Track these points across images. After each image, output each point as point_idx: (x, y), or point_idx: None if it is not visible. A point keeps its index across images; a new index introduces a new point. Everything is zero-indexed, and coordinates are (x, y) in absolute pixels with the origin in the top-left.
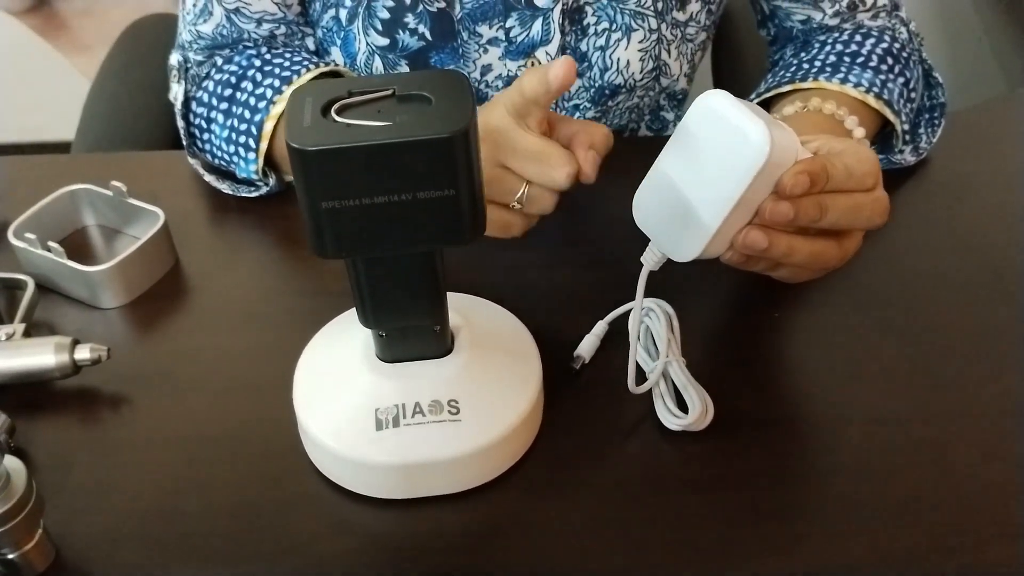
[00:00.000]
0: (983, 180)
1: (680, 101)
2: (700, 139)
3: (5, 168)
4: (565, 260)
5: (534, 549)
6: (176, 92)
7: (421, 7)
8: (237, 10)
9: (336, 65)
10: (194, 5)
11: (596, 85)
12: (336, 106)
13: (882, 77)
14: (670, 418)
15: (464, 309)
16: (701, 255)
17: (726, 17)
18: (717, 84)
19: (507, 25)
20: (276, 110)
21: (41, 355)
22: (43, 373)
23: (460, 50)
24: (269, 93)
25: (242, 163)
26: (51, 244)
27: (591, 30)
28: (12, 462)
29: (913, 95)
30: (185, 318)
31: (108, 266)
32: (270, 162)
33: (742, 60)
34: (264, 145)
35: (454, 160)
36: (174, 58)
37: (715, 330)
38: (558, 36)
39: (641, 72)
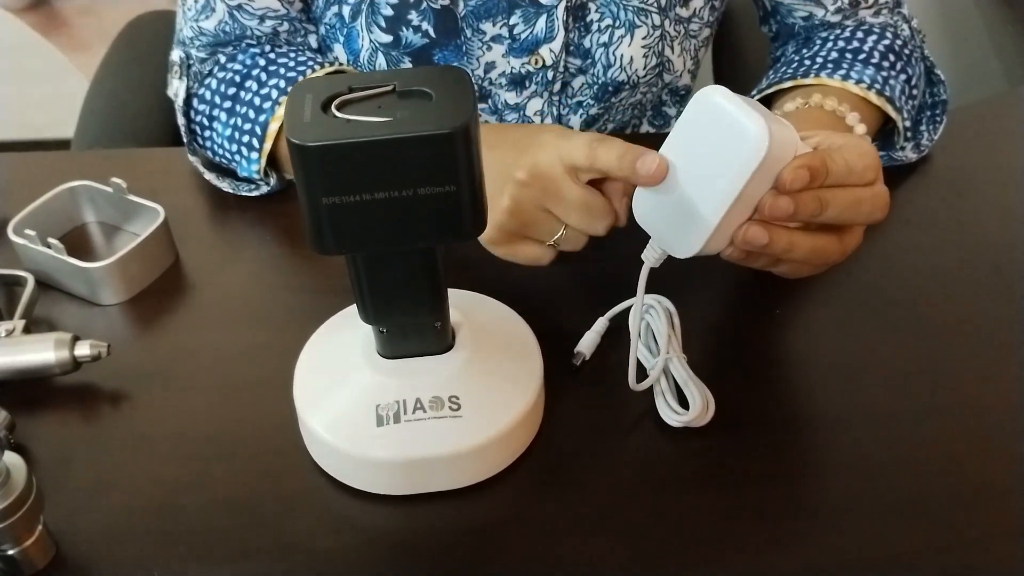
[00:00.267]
0: (984, 177)
1: (683, 97)
2: (699, 135)
3: (5, 164)
4: (566, 257)
5: (534, 545)
6: (177, 89)
7: (425, 4)
8: (240, 6)
9: (340, 64)
10: (195, 1)
11: (599, 82)
12: (336, 102)
13: (884, 74)
14: (671, 414)
15: (465, 305)
16: (701, 251)
17: (727, 14)
18: (718, 81)
19: (511, 22)
20: (281, 111)
21: (41, 351)
22: (43, 369)
23: (464, 47)
24: (274, 94)
25: (244, 162)
26: (51, 240)
27: (594, 26)
28: (12, 458)
29: (915, 92)
30: (185, 315)
31: (108, 263)
32: (273, 162)
33: (743, 57)
34: (268, 145)
35: (454, 156)
36: (175, 54)
37: (716, 327)
38: (562, 33)
39: (644, 68)
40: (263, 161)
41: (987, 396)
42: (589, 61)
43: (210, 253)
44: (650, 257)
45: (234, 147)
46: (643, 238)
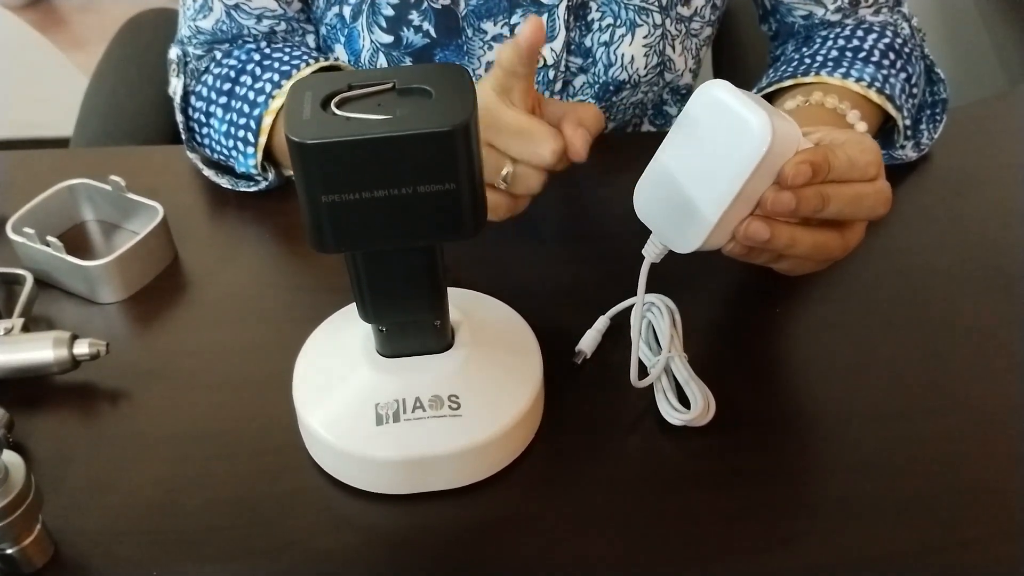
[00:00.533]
0: (984, 176)
1: (684, 96)
2: (701, 129)
3: (4, 162)
4: (567, 255)
5: (534, 544)
6: (175, 86)
7: (426, 4)
8: (237, 6)
9: (337, 60)
10: (194, 0)
11: (600, 81)
12: (336, 99)
13: (884, 72)
14: (672, 413)
15: (465, 304)
16: (703, 246)
17: (728, 13)
18: None
19: (512, 21)
20: (275, 104)
21: (40, 350)
22: (42, 368)
23: (465, 47)
24: (268, 87)
25: (241, 157)
26: (50, 239)
27: (595, 26)
28: (11, 457)
29: (915, 90)
30: (184, 313)
31: (107, 261)
32: (269, 157)
33: (743, 56)
34: (263, 139)
35: (454, 153)
36: (173, 52)
37: (717, 326)
38: (563, 32)
39: (645, 67)
40: (259, 155)
41: (988, 395)
42: (590, 60)
43: (209, 251)
44: (651, 252)
45: (230, 143)
46: (645, 236)
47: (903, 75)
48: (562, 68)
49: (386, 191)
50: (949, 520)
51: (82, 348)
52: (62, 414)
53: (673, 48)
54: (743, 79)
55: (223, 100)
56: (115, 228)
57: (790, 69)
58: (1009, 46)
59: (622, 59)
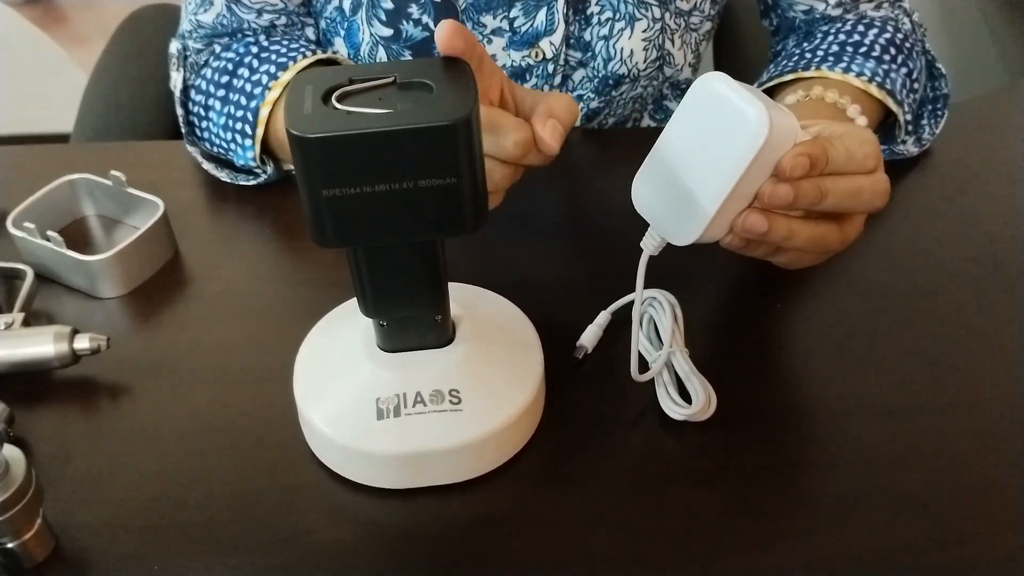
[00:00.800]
0: (986, 171)
1: (684, 90)
2: (699, 121)
3: (4, 157)
4: (568, 250)
5: (535, 539)
6: (175, 80)
7: None
8: (238, 0)
9: (335, 53)
10: None
11: (600, 75)
12: (337, 94)
13: (885, 67)
14: (673, 408)
15: (466, 299)
16: (700, 239)
17: (728, 8)
18: None
19: (511, 15)
20: (271, 96)
21: (40, 345)
22: (42, 363)
23: None
24: (265, 79)
25: (239, 150)
26: (50, 234)
27: (595, 19)
28: (11, 451)
29: (916, 86)
30: (185, 308)
31: (107, 256)
32: (267, 149)
33: (744, 51)
34: (260, 131)
35: (456, 148)
36: (174, 46)
37: (718, 321)
38: (562, 26)
39: (645, 61)
40: (257, 148)
41: (989, 391)
42: (589, 54)
43: (210, 246)
44: (649, 245)
45: (229, 136)
46: (646, 231)
47: (904, 70)
48: (561, 62)
49: (387, 185)
50: (950, 516)
51: (83, 343)
52: (63, 409)
53: (672, 42)
54: (744, 74)
55: (221, 93)
56: (115, 223)
57: (791, 64)
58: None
59: (621, 53)
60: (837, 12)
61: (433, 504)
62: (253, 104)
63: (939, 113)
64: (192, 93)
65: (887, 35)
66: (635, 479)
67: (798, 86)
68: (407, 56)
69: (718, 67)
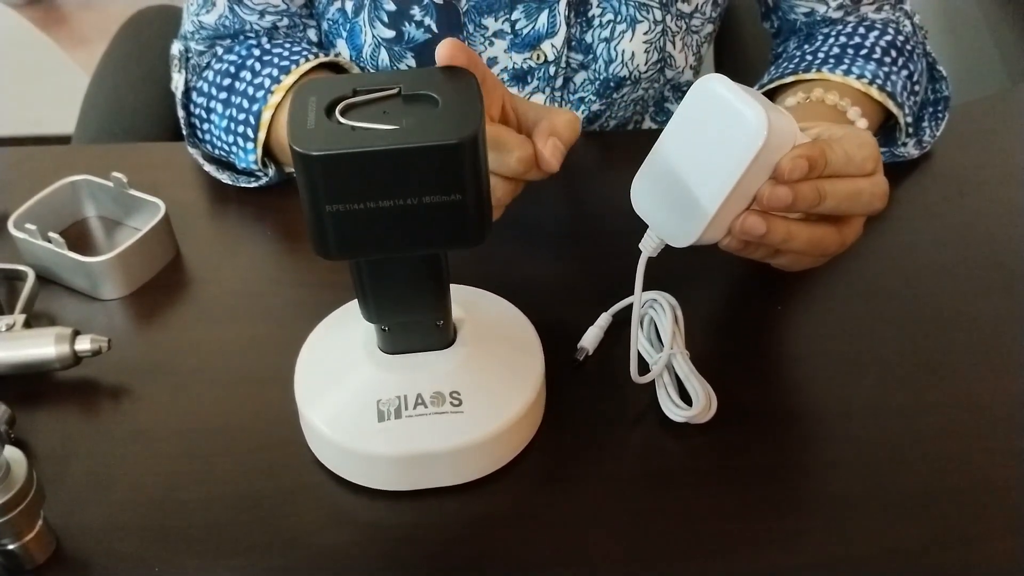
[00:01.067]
0: (986, 174)
1: (685, 93)
2: (698, 123)
3: (6, 159)
4: (568, 252)
5: (536, 541)
6: (177, 82)
7: (427, 0)
8: (240, 1)
9: (337, 56)
10: None
11: (601, 77)
12: (341, 106)
13: (885, 69)
14: (674, 409)
15: (467, 301)
16: (699, 240)
17: (729, 10)
18: None
19: (513, 17)
20: (274, 99)
21: (41, 346)
22: (43, 364)
23: (466, 43)
24: (267, 83)
25: (241, 153)
26: (51, 235)
27: (596, 22)
28: (12, 452)
29: (917, 88)
30: (186, 309)
31: (108, 257)
32: (269, 152)
33: (745, 53)
34: (262, 135)
35: (461, 166)
36: (175, 48)
37: (718, 323)
38: (564, 28)
39: (646, 64)
40: (259, 151)
41: (989, 392)
42: (591, 56)
43: (211, 248)
44: (648, 246)
45: (231, 138)
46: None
47: (905, 72)
48: (563, 64)
49: (391, 202)
50: (951, 517)
51: (84, 344)
52: (64, 410)
53: (674, 45)
54: (745, 76)
55: (223, 96)
56: (117, 224)
57: (791, 66)
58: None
59: (622, 55)
60: (838, 14)
61: (434, 506)
62: (255, 108)
63: (940, 115)
64: (194, 95)
65: (888, 37)
66: (635, 480)
67: (798, 88)
68: (410, 57)
69: (719, 69)
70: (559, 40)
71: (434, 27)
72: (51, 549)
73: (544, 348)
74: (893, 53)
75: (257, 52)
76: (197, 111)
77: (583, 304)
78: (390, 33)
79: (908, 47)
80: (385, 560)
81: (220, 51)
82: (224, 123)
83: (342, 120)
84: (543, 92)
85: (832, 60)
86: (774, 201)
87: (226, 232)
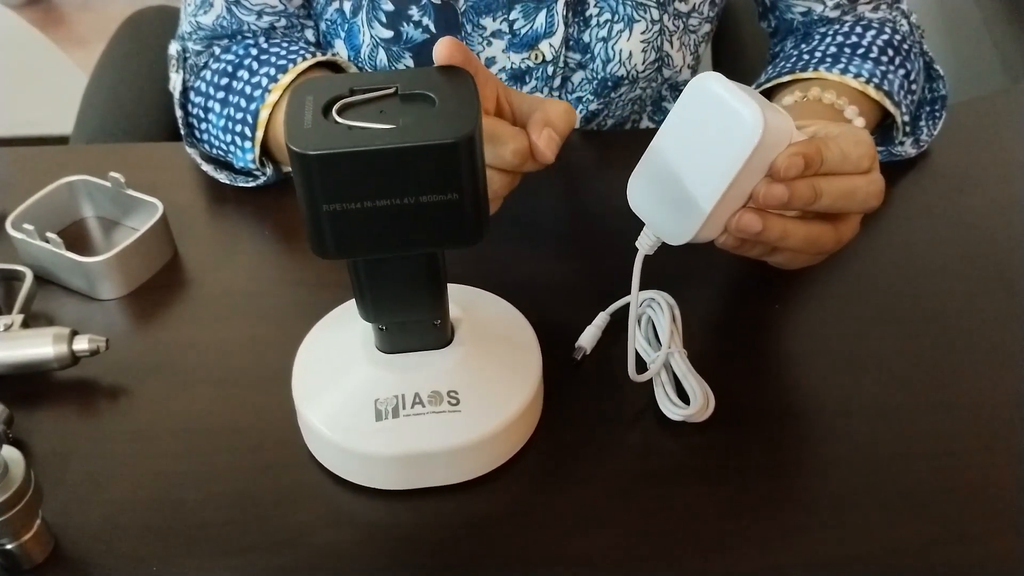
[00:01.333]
0: (984, 172)
1: None
2: (694, 121)
3: (3, 159)
4: (567, 251)
5: (534, 540)
6: (175, 82)
7: (425, 0)
8: (238, 2)
9: (335, 55)
10: None
11: (599, 77)
12: (337, 106)
13: (882, 68)
14: (672, 408)
15: (464, 301)
16: (695, 238)
17: (727, 10)
18: None
19: (511, 17)
20: (271, 98)
21: (39, 346)
22: (41, 364)
23: (464, 43)
24: (264, 82)
25: (239, 152)
26: (49, 235)
27: (593, 21)
28: (10, 452)
29: (914, 87)
30: (184, 309)
31: (106, 257)
32: (266, 152)
33: (743, 53)
34: (260, 134)
35: (458, 165)
36: (173, 48)
37: (716, 322)
38: (562, 28)
39: (643, 63)
40: (257, 151)
41: (988, 391)
42: (588, 56)
43: (209, 248)
44: (644, 244)
45: (228, 138)
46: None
47: (902, 71)
48: (560, 64)
49: (388, 201)
50: (949, 516)
51: (82, 344)
52: (62, 410)
53: (671, 44)
54: (742, 75)
55: (220, 95)
56: (115, 224)
57: (788, 65)
58: (1009, 43)
59: (620, 55)
60: (835, 14)
61: (432, 505)
62: (253, 107)
63: (937, 114)
64: (191, 95)
65: (885, 36)
66: (633, 479)
67: (796, 87)
68: (408, 57)
69: (716, 69)
70: (557, 40)
71: (432, 27)
72: (49, 549)
73: (542, 347)
74: (890, 52)
75: (254, 52)
76: (195, 111)
77: (581, 303)
78: (388, 33)
79: (905, 46)
80: (383, 559)
81: (217, 51)
82: (222, 122)
83: (339, 119)
84: (541, 92)
85: (829, 59)
86: (770, 199)
87: (224, 232)
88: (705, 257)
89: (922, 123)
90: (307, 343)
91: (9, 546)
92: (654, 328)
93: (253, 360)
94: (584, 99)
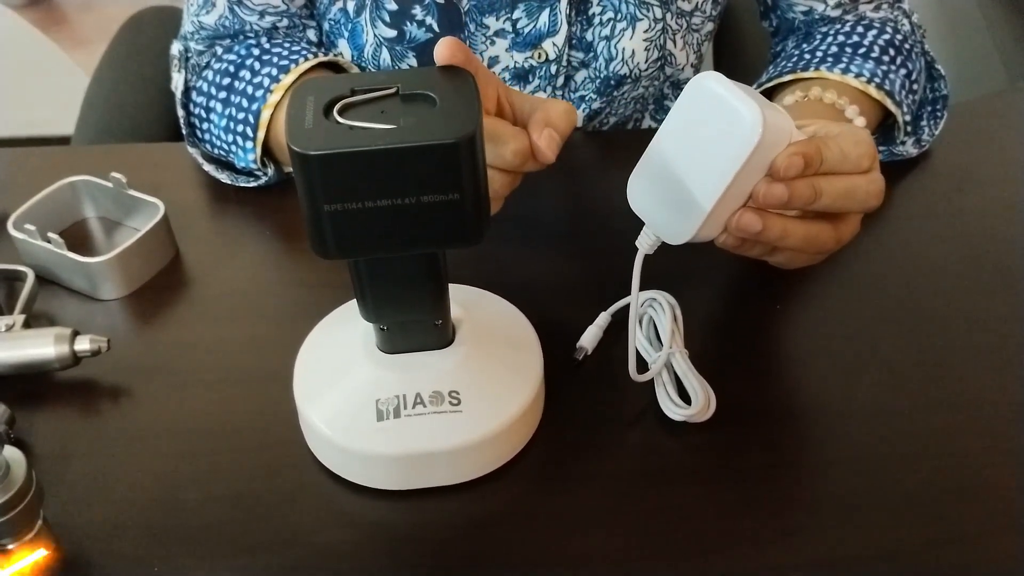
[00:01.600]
0: (985, 172)
1: None
2: (694, 120)
3: (5, 159)
4: (568, 251)
5: (535, 539)
6: (177, 81)
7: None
8: (240, 2)
9: (338, 55)
10: None
11: (601, 75)
12: (338, 106)
13: (884, 68)
14: (673, 408)
15: (466, 301)
16: (695, 238)
17: (729, 9)
18: None
19: (514, 16)
20: (273, 99)
21: (41, 346)
22: (43, 364)
23: (467, 42)
24: (266, 82)
25: (240, 152)
26: (51, 235)
27: (596, 20)
28: (12, 453)
29: (915, 87)
30: (185, 310)
31: (108, 257)
32: (268, 152)
33: (744, 52)
34: (261, 134)
35: (459, 165)
36: (175, 48)
37: (717, 322)
38: (565, 27)
39: (646, 62)
40: (258, 151)
41: (989, 391)
42: (591, 55)
43: (210, 248)
44: (644, 243)
45: (230, 138)
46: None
47: (903, 71)
48: (564, 63)
49: (389, 201)
50: (949, 516)
51: (83, 344)
52: (63, 410)
53: (674, 42)
54: (744, 75)
55: (222, 95)
56: (116, 225)
57: (790, 64)
58: (1010, 43)
59: (623, 53)
60: (836, 13)
61: (433, 505)
62: (254, 107)
63: (938, 114)
64: (193, 95)
65: (886, 36)
66: (635, 479)
67: (797, 87)
68: (411, 57)
69: (719, 68)
70: (560, 39)
71: (435, 26)
72: (50, 549)
73: (543, 347)
74: (891, 52)
75: (256, 52)
76: (196, 111)
77: (582, 303)
78: (392, 33)
79: (906, 46)
80: (384, 559)
81: (220, 51)
82: (223, 122)
83: (340, 120)
84: (544, 91)
85: (830, 59)
86: (770, 198)
87: (225, 232)
88: (706, 257)
89: (923, 123)
90: (308, 343)
91: (11, 546)
92: (655, 328)
93: (254, 360)
94: (587, 98)
